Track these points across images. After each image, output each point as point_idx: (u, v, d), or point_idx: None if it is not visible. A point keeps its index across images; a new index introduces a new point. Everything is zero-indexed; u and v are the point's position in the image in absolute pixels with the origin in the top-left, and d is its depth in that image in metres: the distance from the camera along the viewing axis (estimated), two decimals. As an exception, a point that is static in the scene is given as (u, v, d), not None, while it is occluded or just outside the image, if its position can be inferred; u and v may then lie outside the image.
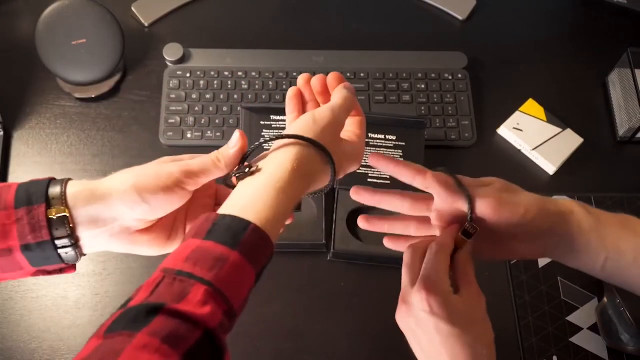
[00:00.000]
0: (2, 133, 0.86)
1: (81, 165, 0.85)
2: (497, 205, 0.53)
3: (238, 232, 0.44)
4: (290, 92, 0.56)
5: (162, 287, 0.41)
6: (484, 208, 0.53)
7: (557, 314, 0.78)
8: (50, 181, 0.47)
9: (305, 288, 0.79)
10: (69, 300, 0.77)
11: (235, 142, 0.50)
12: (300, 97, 0.56)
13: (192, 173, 0.49)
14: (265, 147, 0.51)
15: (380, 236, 0.82)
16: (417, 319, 0.53)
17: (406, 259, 0.56)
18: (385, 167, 0.56)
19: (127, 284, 0.78)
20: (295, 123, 0.51)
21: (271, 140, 0.50)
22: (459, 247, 0.55)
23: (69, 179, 0.48)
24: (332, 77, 0.55)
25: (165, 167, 0.49)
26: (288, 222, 0.49)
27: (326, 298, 0.79)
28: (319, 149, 0.49)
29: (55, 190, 0.47)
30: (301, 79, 0.56)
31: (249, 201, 0.46)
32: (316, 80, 0.55)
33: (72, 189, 0.47)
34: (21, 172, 0.84)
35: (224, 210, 0.46)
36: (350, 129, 0.56)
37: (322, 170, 0.50)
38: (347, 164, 0.53)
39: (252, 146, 0.51)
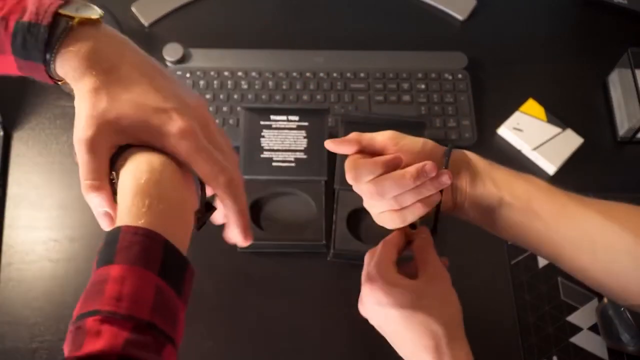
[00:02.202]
0: (2, 133, 0.86)
1: (81, 165, 0.85)
2: (397, 136, 0.56)
3: (112, 242, 0.42)
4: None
5: (68, 341, 0.40)
6: (386, 138, 0.55)
7: (557, 314, 0.78)
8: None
9: (305, 288, 0.79)
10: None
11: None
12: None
13: None
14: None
15: (380, 236, 0.82)
16: (371, 312, 0.57)
17: (365, 261, 0.59)
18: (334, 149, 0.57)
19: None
20: None
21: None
22: (413, 238, 0.59)
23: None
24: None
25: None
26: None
27: (326, 298, 0.79)
28: None
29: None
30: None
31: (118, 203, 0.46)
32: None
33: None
34: (21, 172, 0.84)
35: None
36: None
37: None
38: None
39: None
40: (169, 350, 0.41)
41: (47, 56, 0.47)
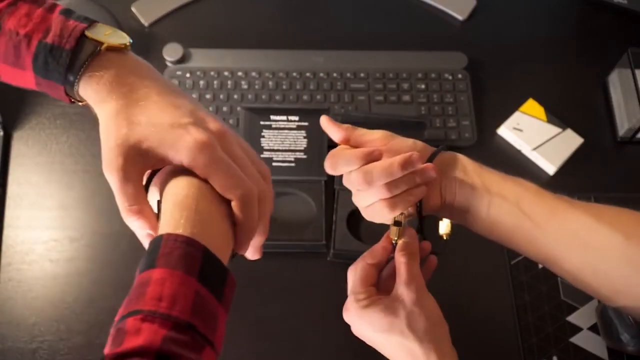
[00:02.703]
0: (2, 133, 0.86)
1: (81, 166, 0.85)
2: (387, 136, 0.58)
3: (154, 249, 0.44)
4: None
5: (108, 343, 0.41)
6: (376, 137, 0.57)
7: (557, 314, 0.78)
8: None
9: (305, 288, 0.79)
10: (69, 301, 0.77)
11: None
12: None
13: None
14: None
15: (380, 236, 0.82)
16: (356, 333, 0.60)
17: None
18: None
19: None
20: None
21: None
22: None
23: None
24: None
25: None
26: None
27: (326, 298, 0.79)
28: None
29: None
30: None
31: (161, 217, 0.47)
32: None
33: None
34: (21, 172, 0.84)
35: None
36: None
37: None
38: None
39: None
40: (207, 352, 0.42)
41: (70, 77, 0.48)
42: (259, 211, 0.50)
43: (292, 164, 0.83)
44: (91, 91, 0.48)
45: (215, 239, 0.47)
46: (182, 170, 0.48)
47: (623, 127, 0.91)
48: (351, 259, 0.80)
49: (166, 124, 0.47)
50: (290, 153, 0.84)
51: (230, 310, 0.48)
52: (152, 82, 0.49)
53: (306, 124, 0.85)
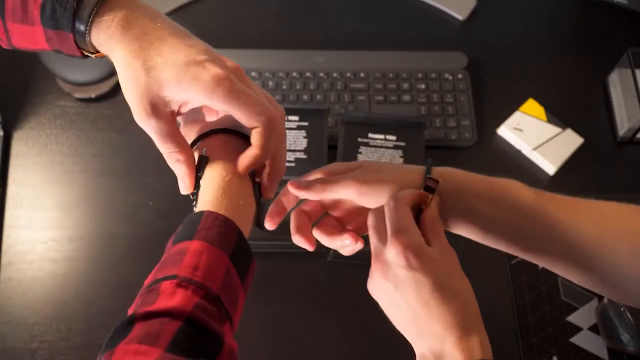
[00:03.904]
0: (2, 133, 0.86)
1: (81, 166, 0.85)
2: (358, 185, 0.51)
3: (194, 222, 0.46)
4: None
5: (138, 301, 0.43)
6: (347, 191, 0.52)
7: (557, 314, 0.78)
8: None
9: (305, 288, 0.79)
10: (69, 301, 0.77)
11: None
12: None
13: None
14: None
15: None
16: (396, 278, 0.48)
17: (372, 221, 0.51)
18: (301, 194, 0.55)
19: (126, 290, 0.78)
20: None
21: None
22: (423, 207, 0.51)
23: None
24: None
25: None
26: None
27: (326, 298, 0.79)
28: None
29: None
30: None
31: (201, 194, 0.49)
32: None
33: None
34: (21, 172, 0.84)
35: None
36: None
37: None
38: None
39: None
40: (227, 326, 0.45)
41: (80, 26, 0.47)
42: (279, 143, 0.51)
43: (292, 164, 0.83)
44: (103, 37, 0.47)
45: (246, 225, 0.49)
46: (224, 148, 0.51)
47: (623, 127, 0.91)
48: (351, 259, 0.80)
49: (182, 63, 0.46)
50: (290, 153, 0.84)
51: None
52: (164, 23, 0.49)
53: (306, 124, 0.85)
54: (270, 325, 0.77)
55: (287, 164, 0.83)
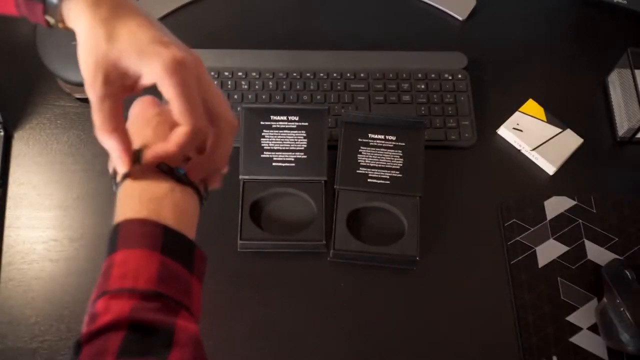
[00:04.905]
0: (2, 133, 0.86)
1: (82, 165, 0.85)
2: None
3: (113, 236, 0.46)
4: None
5: (83, 328, 0.43)
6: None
7: (557, 314, 0.78)
8: None
9: (305, 288, 0.79)
10: (69, 301, 0.77)
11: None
12: None
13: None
14: None
15: (380, 236, 0.82)
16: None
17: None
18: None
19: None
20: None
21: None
22: None
23: None
24: None
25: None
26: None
27: (326, 298, 0.79)
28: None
29: None
30: None
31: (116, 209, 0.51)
32: None
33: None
34: (21, 172, 0.84)
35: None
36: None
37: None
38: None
39: None
40: (183, 315, 0.44)
41: None
42: (216, 147, 0.51)
43: (292, 164, 0.83)
44: (73, 11, 0.47)
45: (177, 216, 0.48)
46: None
47: (623, 127, 0.91)
48: (351, 259, 0.81)
49: (147, 38, 0.46)
50: (290, 153, 0.84)
51: (205, 293, 0.50)
52: (135, 5, 0.49)
53: (306, 124, 0.85)
54: (270, 325, 0.77)
55: (287, 164, 0.83)
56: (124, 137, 0.49)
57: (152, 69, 0.46)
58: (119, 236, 0.46)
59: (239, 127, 0.51)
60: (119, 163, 0.49)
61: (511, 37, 1.00)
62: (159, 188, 0.50)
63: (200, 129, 0.48)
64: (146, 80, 0.47)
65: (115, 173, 0.52)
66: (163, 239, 0.46)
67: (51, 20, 0.49)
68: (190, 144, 0.49)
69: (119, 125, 0.48)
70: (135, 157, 0.50)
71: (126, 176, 0.50)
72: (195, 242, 0.49)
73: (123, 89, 0.48)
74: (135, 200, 0.48)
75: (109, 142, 0.48)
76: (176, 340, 0.42)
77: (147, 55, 0.46)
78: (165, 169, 0.51)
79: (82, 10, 0.47)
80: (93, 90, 0.47)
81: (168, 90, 0.46)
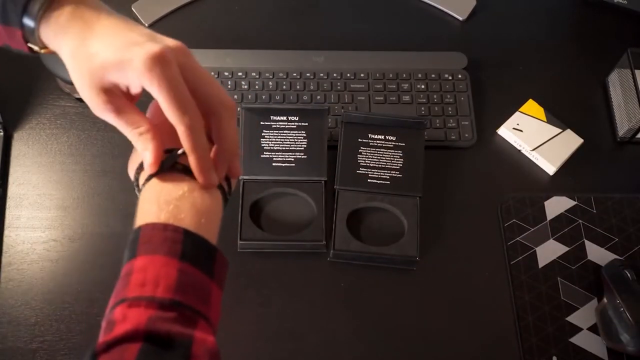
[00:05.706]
0: (2, 133, 0.86)
1: (81, 166, 0.85)
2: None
3: (134, 240, 0.45)
4: None
5: (101, 334, 0.42)
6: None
7: (556, 314, 0.78)
8: None
9: (305, 288, 0.79)
10: (69, 301, 0.77)
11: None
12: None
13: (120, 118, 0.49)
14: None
15: (380, 236, 0.82)
16: None
17: None
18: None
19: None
20: None
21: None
22: None
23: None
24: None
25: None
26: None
27: (326, 298, 0.79)
28: None
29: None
30: None
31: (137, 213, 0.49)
32: None
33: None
34: (21, 172, 0.84)
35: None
36: None
37: None
38: None
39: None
40: (202, 325, 0.43)
41: (28, 22, 0.47)
42: (221, 135, 0.50)
43: (292, 164, 0.83)
44: (51, 33, 0.47)
45: (196, 219, 0.47)
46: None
47: (623, 127, 0.91)
48: (351, 259, 0.81)
49: (121, 44, 0.46)
50: (290, 153, 0.84)
51: (224, 292, 0.48)
52: (108, 13, 0.48)
53: (306, 124, 0.85)
54: (270, 325, 0.77)
55: (287, 164, 0.83)
56: (155, 136, 0.49)
57: (131, 73, 0.45)
58: (140, 241, 0.45)
59: (237, 107, 0.50)
60: (147, 163, 0.49)
61: (511, 37, 1.00)
62: (177, 189, 0.49)
63: (194, 125, 0.47)
64: (133, 85, 0.47)
65: (137, 176, 0.52)
66: (183, 245, 0.45)
67: (34, 47, 0.49)
68: (201, 139, 0.48)
69: (144, 119, 0.49)
70: (167, 158, 0.50)
71: (151, 177, 0.50)
72: (216, 246, 0.48)
73: (124, 93, 0.48)
74: (154, 203, 0.47)
75: (146, 142, 0.48)
76: (193, 354, 0.41)
77: (124, 62, 0.45)
78: (181, 168, 0.50)
79: (58, 35, 0.47)
80: (105, 113, 0.47)
81: (151, 89, 0.46)
